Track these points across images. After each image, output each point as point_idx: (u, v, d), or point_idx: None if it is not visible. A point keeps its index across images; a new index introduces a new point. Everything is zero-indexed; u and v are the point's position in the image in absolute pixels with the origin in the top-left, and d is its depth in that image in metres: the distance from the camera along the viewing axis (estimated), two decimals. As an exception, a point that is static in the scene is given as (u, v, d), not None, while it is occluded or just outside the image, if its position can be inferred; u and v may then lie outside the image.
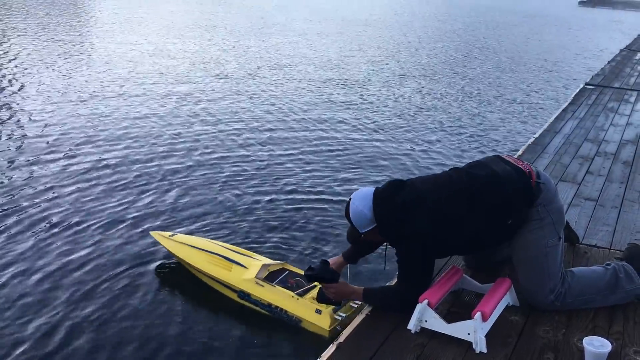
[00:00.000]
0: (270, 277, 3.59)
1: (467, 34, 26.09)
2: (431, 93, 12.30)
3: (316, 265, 2.83)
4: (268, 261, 3.77)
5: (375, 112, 9.86)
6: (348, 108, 9.94)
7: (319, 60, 14.80)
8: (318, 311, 3.25)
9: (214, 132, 7.72)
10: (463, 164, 2.98)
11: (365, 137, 8.13)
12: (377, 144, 7.81)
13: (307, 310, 3.31)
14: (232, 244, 4.17)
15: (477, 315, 2.41)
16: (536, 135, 6.26)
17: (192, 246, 3.94)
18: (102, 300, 3.72)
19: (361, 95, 11.16)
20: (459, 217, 2.62)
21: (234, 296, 3.67)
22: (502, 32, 28.22)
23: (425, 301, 2.51)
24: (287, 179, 6.09)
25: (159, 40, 15.87)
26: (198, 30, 18.58)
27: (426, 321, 2.52)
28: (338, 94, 11.06)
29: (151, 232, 4.30)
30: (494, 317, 2.55)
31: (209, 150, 6.95)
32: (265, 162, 6.64)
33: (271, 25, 21.91)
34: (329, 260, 2.96)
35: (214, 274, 3.75)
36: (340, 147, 7.49)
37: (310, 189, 5.89)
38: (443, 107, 11.09)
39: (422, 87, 12.73)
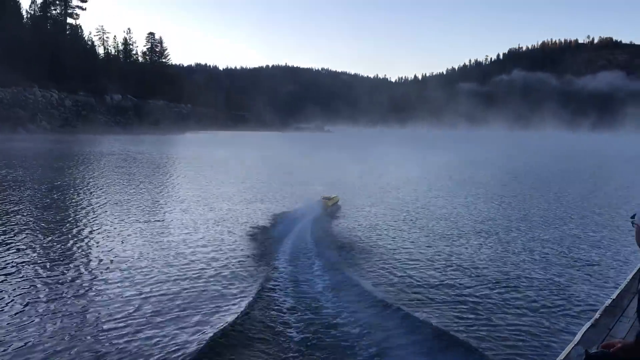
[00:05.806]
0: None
1: (549, 184, 25.93)
2: (490, 251, 11.83)
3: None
4: (335, 197, 19.50)
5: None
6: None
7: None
8: (326, 201, 18.25)
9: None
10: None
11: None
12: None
13: (324, 202, 18.16)
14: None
15: None
16: (613, 297, 5.63)
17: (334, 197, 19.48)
18: None
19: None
20: None
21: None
22: (588, 183, 27.88)
23: None
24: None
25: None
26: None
27: None
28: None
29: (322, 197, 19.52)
30: None
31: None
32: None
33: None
34: None
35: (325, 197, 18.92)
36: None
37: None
38: (508, 265, 10.54)
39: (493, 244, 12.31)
